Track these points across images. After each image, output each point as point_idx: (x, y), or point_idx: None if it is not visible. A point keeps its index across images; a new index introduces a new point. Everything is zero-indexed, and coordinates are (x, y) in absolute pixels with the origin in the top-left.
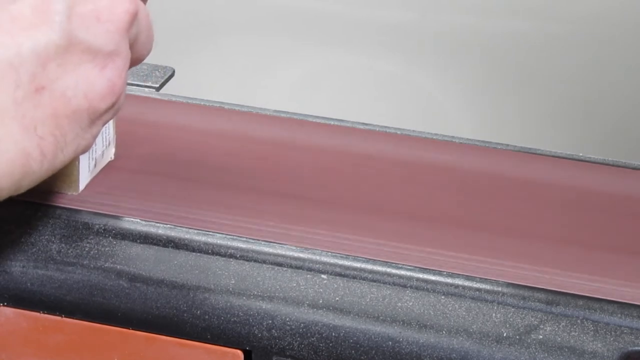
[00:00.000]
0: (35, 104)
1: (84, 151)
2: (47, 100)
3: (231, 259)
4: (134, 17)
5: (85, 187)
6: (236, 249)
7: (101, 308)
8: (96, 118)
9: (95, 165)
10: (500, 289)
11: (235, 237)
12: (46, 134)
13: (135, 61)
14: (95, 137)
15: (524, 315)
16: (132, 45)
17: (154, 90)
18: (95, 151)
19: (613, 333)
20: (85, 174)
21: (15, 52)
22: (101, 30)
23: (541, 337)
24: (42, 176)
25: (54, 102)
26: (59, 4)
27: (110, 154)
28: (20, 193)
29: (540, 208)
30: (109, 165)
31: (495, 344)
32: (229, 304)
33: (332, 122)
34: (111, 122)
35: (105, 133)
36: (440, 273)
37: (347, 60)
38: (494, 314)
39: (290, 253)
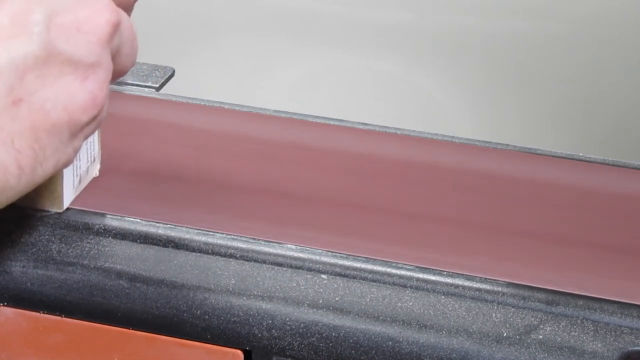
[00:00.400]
0: (12, 117)
1: (64, 165)
2: (25, 113)
3: (231, 259)
4: (115, 28)
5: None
6: (236, 249)
7: (101, 308)
8: (77, 131)
9: (79, 181)
10: (500, 288)
11: (235, 237)
12: (24, 147)
13: (118, 73)
14: (76, 150)
15: (524, 315)
16: (114, 57)
17: (154, 90)
18: (80, 167)
19: (613, 333)
20: (69, 191)
21: None
22: (81, 42)
23: (541, 337)
24: (20, 191)
25: (33, 115)
26: (38, 15)
27: (95, 170)
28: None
29: (540, 208)
30: (108, 164)
31: (495, 344)
32: (229, 304)
33: (331, 122)
34: (96, 138)
35: (90, 149)
36: (440, 273)
37: (346, 61)
38: (494, 314)
39: (290, 253)
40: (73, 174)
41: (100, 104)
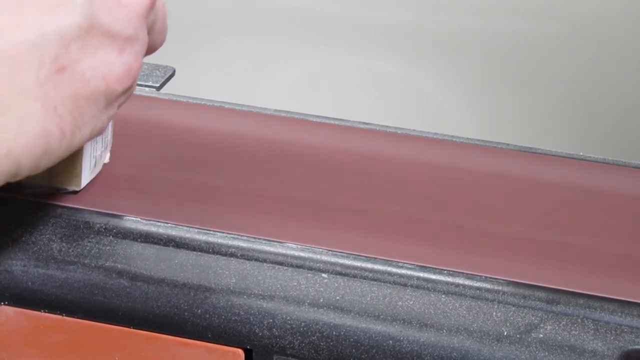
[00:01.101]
0: (56, 84)
1: (99, 132)
2: (67, 81)
3: (232, 258)
4: (153, 4)
5: (84, 187)
6: (237, 247)
7: (102, 307)
8: (112, 100)
9: (95, 165)
10: (500, 287)
11: (235, 236)
12: (65, 113)
13: (151, 48)
14: (110, 118)
15: (524, 314)
16: (149, 32)
17: (155, 89)
18: (96, 150)
19: (613, 332)
20: (86, 171)
21: (39, 32)
22: (121, 15)
23: (541, 335)
24: (60, 155)
25: (74, 83)
26: None
27: (106, 157)
28: (39, 172)
29: (540, 207)
30: (109, 162)
31: (495, 342)
32: (229, 303)
33: (332, 122)
34: (110, 126)
35: (105, 135)
36: (440, 272)
37: (346, 61)
38: (494, 313)
39: (291, 252)
40: (90, 155)
41: (134, 75)
